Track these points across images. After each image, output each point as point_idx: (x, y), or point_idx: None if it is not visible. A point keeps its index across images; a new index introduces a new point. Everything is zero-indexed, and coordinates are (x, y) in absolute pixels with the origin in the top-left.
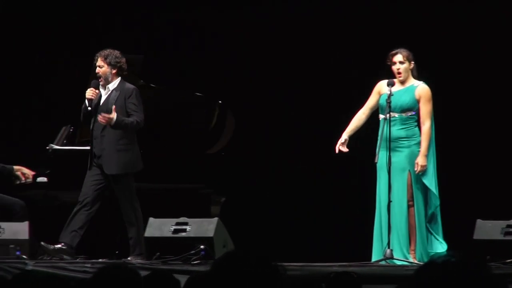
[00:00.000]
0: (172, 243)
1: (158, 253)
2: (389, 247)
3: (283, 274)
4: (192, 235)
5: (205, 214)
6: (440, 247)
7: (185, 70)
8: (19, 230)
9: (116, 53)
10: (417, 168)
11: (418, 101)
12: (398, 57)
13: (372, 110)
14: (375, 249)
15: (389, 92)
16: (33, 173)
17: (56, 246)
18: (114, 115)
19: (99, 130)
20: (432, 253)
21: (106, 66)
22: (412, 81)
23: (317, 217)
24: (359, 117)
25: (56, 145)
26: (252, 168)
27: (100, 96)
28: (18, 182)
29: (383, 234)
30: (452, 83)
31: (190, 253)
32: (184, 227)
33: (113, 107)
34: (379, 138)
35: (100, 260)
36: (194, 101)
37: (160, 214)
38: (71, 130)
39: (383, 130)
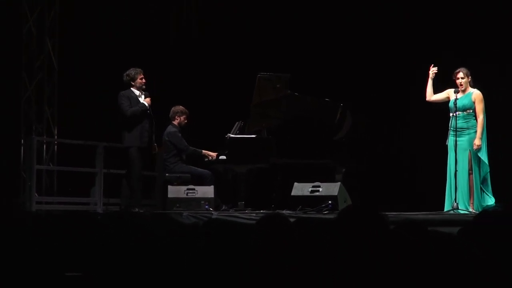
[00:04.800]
0: (310, 200)
1: (300, 206)
2: (455, 201)
3: (387, 221)
4: (323, 194)
5: (332, 179)
6: (490, 200)
7: (317, 82)
8: (207, 191)
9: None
10: (475, 147)
11: (474, 103)
12: (460, 74)
13: (435, 97)
14: (447, 203)
15: (455, 98)
16: (214, 154)
17: None
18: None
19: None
20: (485, 205)
21: None
22: (470, 89)
23: (406, 182)
24: (432, 92)
25: (232, 134)
26: (363, 148)
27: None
28: (206, 159)
29: (451, 193)
30: (496, 89)
31: (321, 206)
32: (318, 188)
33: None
34: (449, 128)
35: (261, 211)
36: (324, 104)
37: (302, 180)
38: (242, 124)
39: (451, 123)
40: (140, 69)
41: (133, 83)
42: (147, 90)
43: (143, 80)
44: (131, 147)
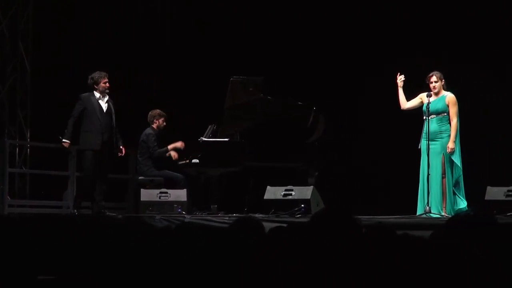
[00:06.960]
0: (282, 203)
1: (273, 210)
2: (428, 205)
3: (359, 224)
4: (296, 197)
5: (304, 183)
6: (462, 204)
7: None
8: (180, 194)
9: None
10: (448, 150)
11: (448, 106)
12: (434, 78)
13: (409, 104)
14: (419, 206)
15: (428, 101)
16: (179, 143)
17: None
18: None
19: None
20: (457, 209)
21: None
22: (443, 92)
23: (379, 186)
24: (405, 100)
25: (205, 138)
26: (336, 152)
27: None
28: (174, 159)
29: (424, 197)
30: (468, 92)
31: (294, 209)
32: (290, 192)
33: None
34: (422, 132)
35: (234, 214)
36: (297, 107)
37: (274, 183)
38: (215, 127)
39: (424, 126)
40: (105, 73)
41: (96, 87)
42: (111, 94)
43: (107, 84)
44: (85, 150)
